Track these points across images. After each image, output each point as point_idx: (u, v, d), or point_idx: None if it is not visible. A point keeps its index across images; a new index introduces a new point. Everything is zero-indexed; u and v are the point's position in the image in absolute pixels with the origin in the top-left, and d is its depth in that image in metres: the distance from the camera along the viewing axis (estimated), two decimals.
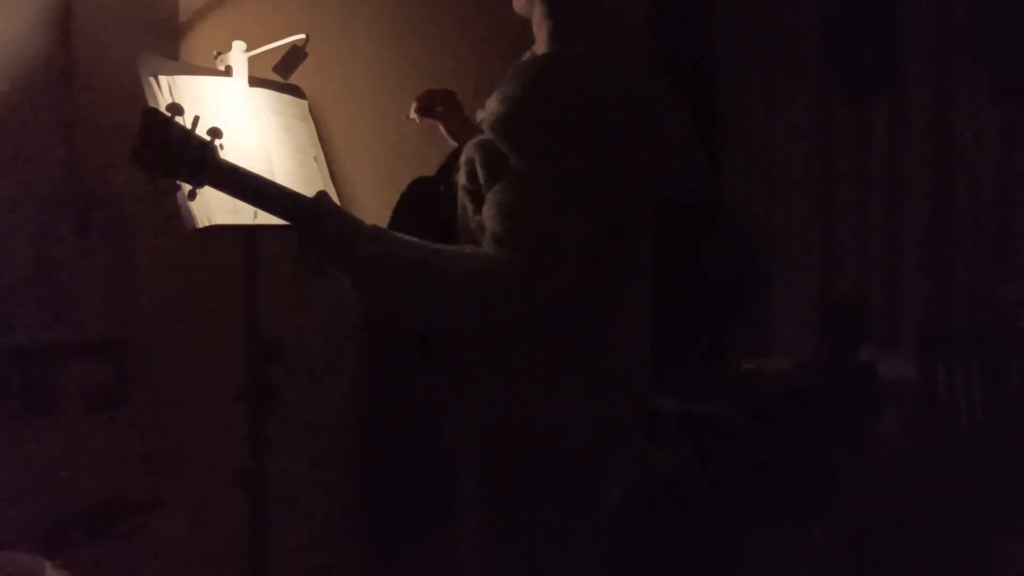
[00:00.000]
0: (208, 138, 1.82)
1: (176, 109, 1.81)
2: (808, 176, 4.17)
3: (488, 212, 1.84)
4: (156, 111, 1.83)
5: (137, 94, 2.31)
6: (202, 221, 2.28)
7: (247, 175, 1.86)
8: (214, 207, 2.31)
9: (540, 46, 2.03)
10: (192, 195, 1.85)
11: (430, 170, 2.49)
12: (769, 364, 4.18)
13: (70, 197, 2.51)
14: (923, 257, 3.97)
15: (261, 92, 2.53)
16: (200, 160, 1.80)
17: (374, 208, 2.33)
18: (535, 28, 2.04)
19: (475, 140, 1.91)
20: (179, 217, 2.27)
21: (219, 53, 2.49)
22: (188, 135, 1.80)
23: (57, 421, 2.49)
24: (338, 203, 2.53)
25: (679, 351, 4.16)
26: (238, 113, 2.44)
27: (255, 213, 2.30)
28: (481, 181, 1.88)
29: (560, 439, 1.97)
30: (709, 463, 3.66)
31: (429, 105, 2.32)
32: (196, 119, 1.82)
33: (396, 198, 2.56)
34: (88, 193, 2.54)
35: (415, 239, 1.87)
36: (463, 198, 1.96)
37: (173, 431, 2.69)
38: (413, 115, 2.33)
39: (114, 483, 2.57)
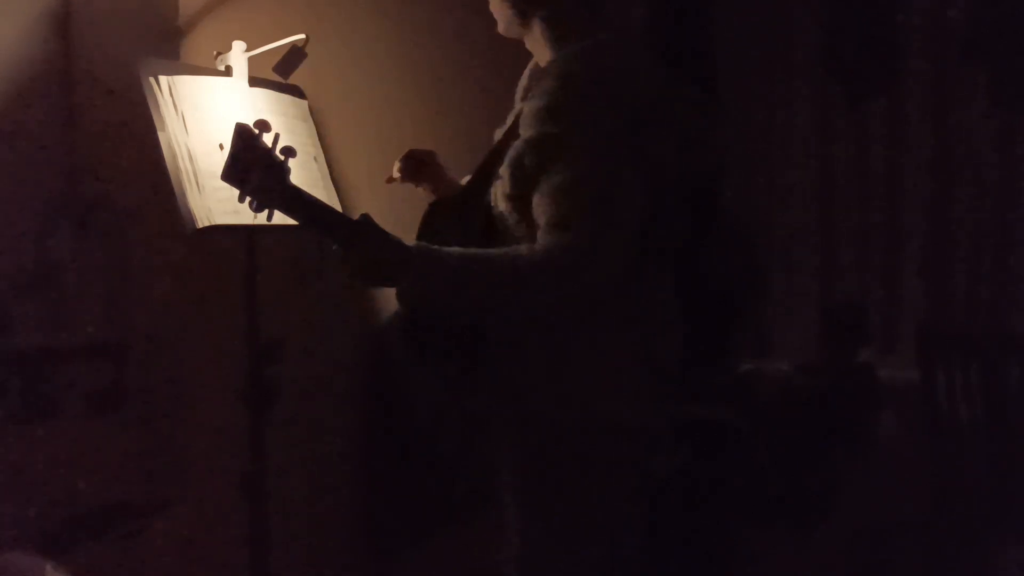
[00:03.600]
0: (283, 157, 1.86)
1: (264, 126, 1.86)
2: (807, 178, 4.17)
3: (542, 201, 1.89)
4: (248, 128, 1.87)
5: (137, 94, 2.31)
6: (202, 221, 2.28)
7: (308, 199, 1.90)
8: (214, 207, 2.30)
9: (543, 59, 2.08)
10: (264, 211, 1.89)
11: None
12: (768, 366, 4.18)
13: (70, 197, 2.51)
14: (922, 260, 3.97)
15: (261, 92, 2.53)
16: (279, 179, 1.85)
17: (374, 208, 2.32)
18: (531, 45, 2.11)
19: (520, 140, 1.95)
20: (179, 217, 2.27)
21: (219, 53, 2.49)
22: (271, 155, 1.85)
23: (57, 423, 2.48)
24: (338, 204, 2.55)
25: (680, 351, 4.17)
26: (238, 113, 2.44)
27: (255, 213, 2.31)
28: (530, 177, 1.92)
29: (601, 434, 2.02)
30: (708, 465, 3.66)
31: (414, 168, 2.38)
32: (277, 137, 1.87)
33: (396, 198, 2.56)
34: (87, 193, 2.53)
35: (461, 248, 1.93)
36: (506, 209, 2.00)
37: (173, 433, 2.68)
38: (396, 175, 2.39)
39: (114, 485, 2.57)
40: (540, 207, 1.90)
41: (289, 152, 1.88)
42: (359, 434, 3.13)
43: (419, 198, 2.44)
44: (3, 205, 2.41)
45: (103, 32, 2.50)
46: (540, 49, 2.09)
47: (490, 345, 2.04)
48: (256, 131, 1.86)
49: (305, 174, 2.50)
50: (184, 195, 2.28)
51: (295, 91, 2.64)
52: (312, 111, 2.67)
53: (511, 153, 1.97)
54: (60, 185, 2.49)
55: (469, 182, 2.19)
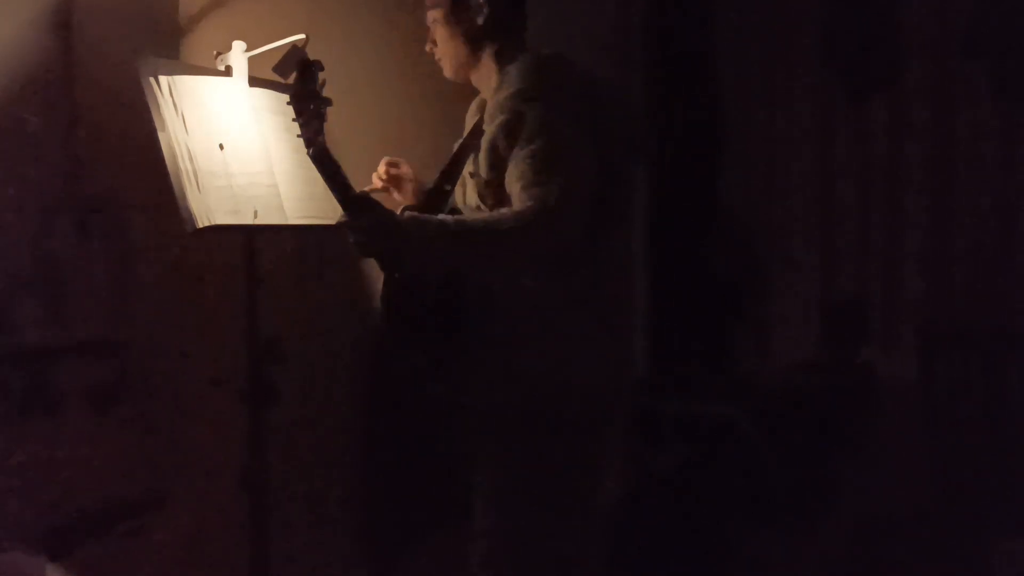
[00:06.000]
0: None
1: (319, 65, 2.11)
2: (808, 177, 4.18)
3: (517, 169, 2.14)
4: (309, 61, 2.11)
5: (137, 94, 2.31)
6: (202, 221, 2.28)
7: (331, 160, 2.13)
8: (214, 207, 2.31)
9: (490, 88, 2.35)
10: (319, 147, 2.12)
11: (429, 167, 2.51)
12: (770, 364, 4.19)
13: (70, 197, 2.51)
14: (923, 258, 3.98)
15: (261, 92, 2.53)
16: (323, 112, 2.10)
17: None
18: (477, 80, 2.41)
19: (492, 127, 2.21)
20: (179, 217, 2.27)
21: (219, 53, 2.49)
22: (320, 89, 2.11)
23: (57, 422, 2.48)
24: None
25: (681, 351, 4.17)
26: (238, 113, 2.44)
27: (255, 213, 2.32)
28: (503, 157, 2.18)
29: (559, 405, 2.23)
30: (710, 463, 3.66)
31: (396, 175, 2.60)
32: (324, 82, 2.12)
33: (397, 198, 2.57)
34: (88, 193, 2.53)
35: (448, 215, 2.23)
36: (482, 192, 2.26)
37: (173, 431, 2.68)
38: (378, 184, 2.59)
39: (115, 483, 2.57)
40: (514, 175, 2.15)
41: (327, 102, 2.12)
42: (359, 433, 3.13)
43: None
44: (3, 205, 2.40)
45: (103, 32, 2.50)
46: (487, 80, 2.36)
47: (460, 333, 2.28)
48: (315, 68, 2.11)
49: (305, 174, 2.51)
50: (184, 195, 2.28)
51: None
52: None
53: (484, 144, 2.22)
54: (60, 185, 2.49)
55: (433, 187, 2.43)
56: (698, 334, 4.12)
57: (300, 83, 2.10)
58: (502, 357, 2.25)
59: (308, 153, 2.10)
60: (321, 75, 2.11)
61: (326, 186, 2.59)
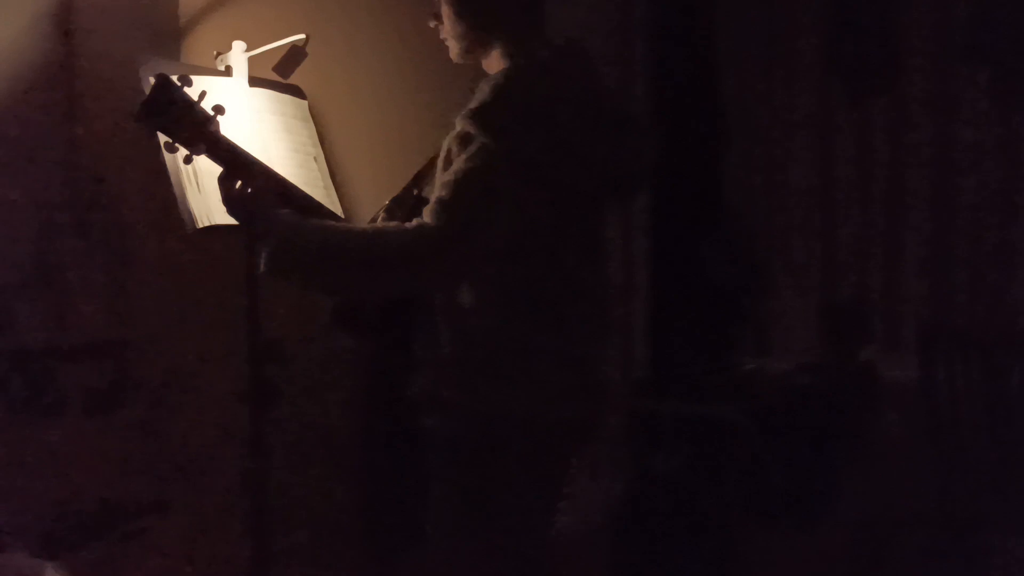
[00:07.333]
0: (212, 113, 2.03)
1: (186, 80, 2.00)
2: (809, 178, 4.17)
3: (444, 178, 2.03)
4: (167, 77, 2.00)
5: (137, 94, 2.31)
6: (202, 221, 2.28)
7: (242, 152, 2.06)
8: (214, 207, 2.30)
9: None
10: (188, 159, 2.06)
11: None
12: (771, 365, 4.18)
13: (70, 198, 2.51)
14: (924, 259, 3.97)
15: (261, 92, 2.53)
16: (201, 127, 2.00)
17: (375, 208, 2.33)
18: (489, 67, 2.19)
19: (452, 134, 2.08)
20: (179, 217, 2.27)
21: (219, 53, 2.49)
22: (193, 104, 1.99)
23: (58, 423, 2.48)
24: (338, 204, 2.55)
25: (681, 352, 4.17)
26: (238, 113, 2.44)
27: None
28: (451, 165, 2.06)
29: (523, 427, 2.10)
30: (710, 464, 3.66)
31: None
32: (203, 93, 2.01)
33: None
34: (88, 194, 2.54)
35: (340, 223, 2.16)
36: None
37: (173, 432, 2.68)
38: None
39: (115, 485, 2.57)
40: (441, 180, 2.04)
41: (219, 110, 2.04)
42: (359, 434, 3.13)
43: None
44: (4, 205, 2.41)
45: (103, 32, 2.50)
46: (497, 68, 2.17)
47: (412, 332, 2.20)
48: (178, 83, 2.00)
49: (305, 174, 2.51)
50: (184, 195, 2.28)
51: (295, 91, 2.64)
52: (312, 111, 2.67)
53: (442, 151, 2.11)
54: (60, 185, 2.49)
55: (402, 191, 2.30)
56: (698, 335, 4.12)
57: (151, 99, 1.99)
58: (462, 365, 2.14)
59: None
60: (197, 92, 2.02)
61: (326, 187, 2.60)
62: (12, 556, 2.26)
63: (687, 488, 3.60)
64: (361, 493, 3.13)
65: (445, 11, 2.17)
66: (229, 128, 2.41)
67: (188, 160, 2.06)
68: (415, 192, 2.26)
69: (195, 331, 2.69)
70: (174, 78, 2.01)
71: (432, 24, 2.22)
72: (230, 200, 2.08)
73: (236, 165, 2.06)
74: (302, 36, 2.46)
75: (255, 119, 2.48)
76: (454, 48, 2.20)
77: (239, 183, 2.06)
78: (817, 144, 4.12)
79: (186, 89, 1.99)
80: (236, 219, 2.11)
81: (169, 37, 2.65)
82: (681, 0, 4.15)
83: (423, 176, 2.27)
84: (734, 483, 3.60)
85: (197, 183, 2.30)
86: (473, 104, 2.07)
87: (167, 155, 2.29)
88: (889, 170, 4.01)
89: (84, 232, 2.53)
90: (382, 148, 2.72)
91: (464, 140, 2.05)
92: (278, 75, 2.53)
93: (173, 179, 2.28)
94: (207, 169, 2.32)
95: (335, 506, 3.05)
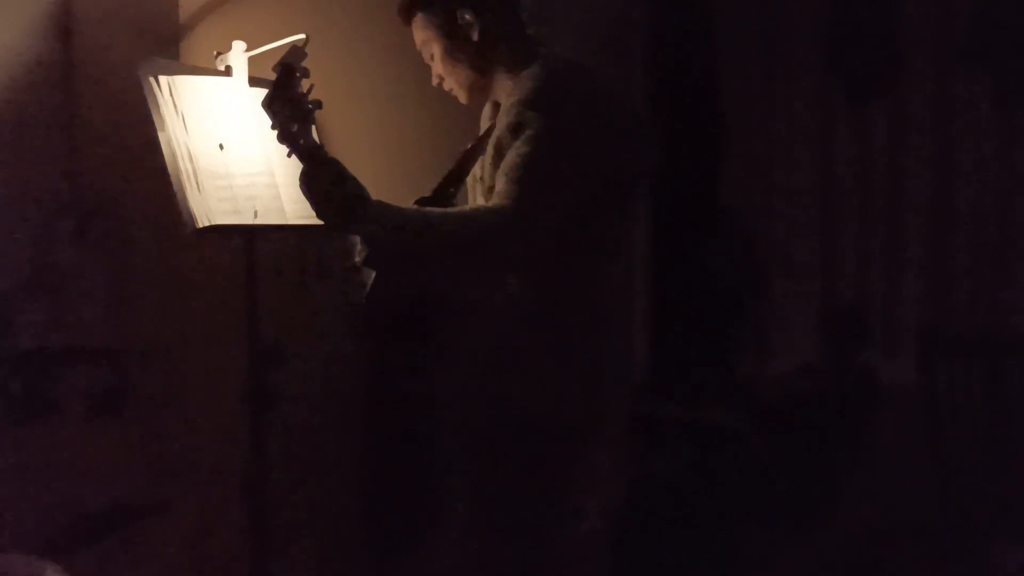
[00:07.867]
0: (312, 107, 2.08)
1: (305, 72, 2.07)
2: (809, 180, 4.17)
3: (509, 162, 2.09)
4: (292, 67, 2.07)
5: (137, 94, 2.31)
6: (202, 222, 2.28)
7: (320, 149, 2.09)
8: (214, 207, 2.30)
9: (507, 99, 2.24)
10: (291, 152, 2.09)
11: (430, 169, 2.50)
12: (770, 369, 4.18)
13: (70, 199, 2.51)
14: (924, 262, 3.97)
15: (261, 92, 2.52)
16: (306, 121, 2.07)
17: None
18: (499, 95, 2.29)
19: (500, 126, 2.17)
20: (179, 219, 2.27)
21: (219, 53, 2.49)
22: (303, 97, 2.07)
23: (58, 425, 2.48)
24: None
25: (681, 355, 4.16)
26: (238, 113, 2.44)
27: (255, 213, 2.31)
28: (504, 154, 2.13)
29: (543, 427, 2.15)
30: (710, 467, 3.66)
31: None
32: (311, 87, 2.07)
33: (396, 198, 2.55)
34: (88, 195, 2.53)
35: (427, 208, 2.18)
36: (488, 198, 2.18)
37: (174, 435, 2.68)
38: None
39: (116, 487, 2.57)
40: (503, 168, 2.11)
41: (318, 105, 2.08)
42: (359, 436, 3.12)
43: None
44: (4, 207, 2.40)
45: (103, 32, 2.50)
46: (505, 92, 2.27)
47: (441, 339, 2.24)
48: (298, 74, 2.06)
49: None
50: (184, 195, 2.28)
51: None
52: None
53: (490, 147, 2.19)
54: (60, 187, 2.49)
55: (437, 190, 2.34)
56: (699, 339, 4.11)
57: (277, 88, 2.06)
58: (479, 365, 2.22)
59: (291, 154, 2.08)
60: (307, 81, 2.07)
61: None
62: (13, 557, 2.25)
63: (686, 491, 3.60)
64: (361, 494, 3.13)
65: (445, 68, 2.30)
66: (229, 128, 2.42)
67: (290, 154, 2.08)
68: (451, 191, 2.32)
69: (195, 333, 2.69)
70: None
71: (435, 82, 2.34)
72: (317, 194, 2.06)
73: (314, 161, 2.07)
74: (302, 36, 2.46)
75: (255, 119, 2.47)
76: (463, 94, 2.33)
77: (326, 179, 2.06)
78: (817, 147, 4.12)
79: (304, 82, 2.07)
80: (325, 218, 2.09)
81: (169, 37, 2.65)
82: (681, 0, 4.15)
83: (456, 177, 2.33)
84: (733, 487, 3.60)
85: (197, 183, 2.30)
86: (519, 96, 2.16)
87: (167, 155, 2.30)
88: (890, 173, 4.01)
89: (84, 235, 2.53)
90: (382, 148, 2.72)
91: (516, 129, 2.13)
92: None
93: (173, 179, 2.28)
94: (207, 169, 2.33)
95: (335, 507, 3.05)
